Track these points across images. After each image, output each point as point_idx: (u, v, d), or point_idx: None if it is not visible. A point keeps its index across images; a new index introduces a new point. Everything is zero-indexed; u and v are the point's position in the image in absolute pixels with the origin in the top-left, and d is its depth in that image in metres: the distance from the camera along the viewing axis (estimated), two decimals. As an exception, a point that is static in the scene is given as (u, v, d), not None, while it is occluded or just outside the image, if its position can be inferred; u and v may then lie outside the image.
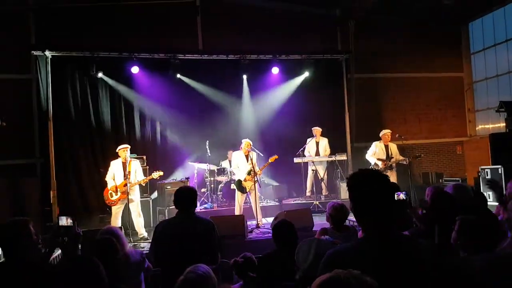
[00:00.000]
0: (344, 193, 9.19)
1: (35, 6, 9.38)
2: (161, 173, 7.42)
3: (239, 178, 7.58)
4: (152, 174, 7.31)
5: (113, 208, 7.11)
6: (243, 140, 7.76)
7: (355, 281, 1.16)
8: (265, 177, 9.71)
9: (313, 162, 9.52)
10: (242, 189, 7.56)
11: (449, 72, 12.61)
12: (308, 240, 2.90)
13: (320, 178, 9.51)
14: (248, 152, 7.60)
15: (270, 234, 6.51)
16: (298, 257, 2.80)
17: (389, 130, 8.96)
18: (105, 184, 7.28)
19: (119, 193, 7.01)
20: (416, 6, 11.07)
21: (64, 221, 3.47)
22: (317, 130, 9.65)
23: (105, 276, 2.00)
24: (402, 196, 3.40)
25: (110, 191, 7.07)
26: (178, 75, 9.58)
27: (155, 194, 8.58)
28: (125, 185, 6.92)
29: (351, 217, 4.18)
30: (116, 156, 7.29)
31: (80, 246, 3.44)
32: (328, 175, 9.73)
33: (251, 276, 3.43)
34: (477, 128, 12.58)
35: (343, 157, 9.50)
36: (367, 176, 1.77)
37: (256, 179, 7.41)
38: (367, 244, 1.71)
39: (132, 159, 7.30)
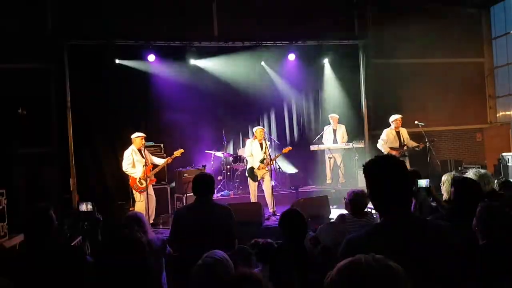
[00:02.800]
0: (361, 180, 9.11)
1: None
2: (182, 150, 7.53)
3: (252, 166, 7.60)
4: (174, 153, 7.43)
5: (141, 196, 7.17)
6: (255, 128, 7.74)
7: (378, 265, 1.13)
8: (282, 162, 9.65)
9: (330, 149, 9.46)
10: (253, 177, 7.58)
11: (470, 57, 12.30)
12: (329, 222, 2.92)
13: (337, 165, 9.46)
14: (262, 140, 7.58)
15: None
16: (320, 236, 2.82)
17: (399, 115, 8.59)
18: (124, 173, 7.35)
19: (148, 179, 7.11)
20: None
21: (84, 207, 3.52)
22: (334, 117, 9.57)
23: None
24: (424, 183, 3.37)
25: (139, 180, 7.16)
26: (193, 62, 9.62)
27: (173, 184, 8.69)
28: (151, 170, 7.14)
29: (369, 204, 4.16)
30: (128, 145, 7.36)
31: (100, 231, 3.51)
32: (346, 162, 9.66)
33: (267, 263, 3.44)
34: (497, 115, 12.30)
35: (360, 144, 9.41)
36: (383, 161, 1.78)
37: (269, 168, 7.43)
38: (386, 229, 1.71)
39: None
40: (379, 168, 1.75)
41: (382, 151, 8.52)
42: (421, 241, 1.64)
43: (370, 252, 1.26)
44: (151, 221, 7.23)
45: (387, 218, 1.73)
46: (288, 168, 10.04)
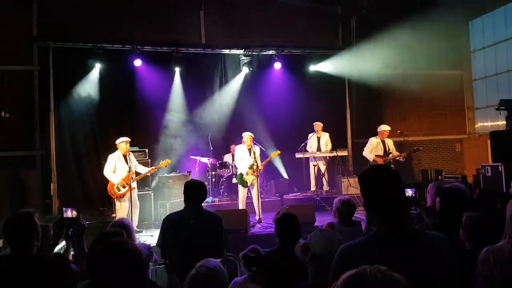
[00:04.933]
0: (345, 188, 9.22)
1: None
2: (169, 161, 7.37)
3: (241, 172, 7.58)
4: (160, 162, 7.26)
5: (121, 203, 6.99)
6: (244, 134, 7.70)
7: (382, 276, 1.15)
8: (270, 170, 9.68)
9: (314, 157, 9.55)
10: (243, 183, 7.55)
11: (449, 70, 12.64)
12: (319, 230, 2.95)
13: (321, 173, 9.55)
14: (251, 145, 7.57)
15: (272, 229, 6.58)
16: (311, 243, 2.84)
17: (388, 127, 8.68)
18: (105, 178, 7.21)
19: (127, 187, 6.94)
20: (417, 4, 11.09)
21: (69, 213, 3.45)
22: (318, 125, 9.66)
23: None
24: (410, 192, 3.45)
25: (116, 186, 6.95)
26: (180, 68, 9.61)
27: (154, 182, 8.57)
28: (132, 177, 6.89)
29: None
30: (113, 149, 7.24)
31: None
32: (329, 170, 9.75)
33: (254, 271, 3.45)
34: (476, 126, 12.63)
35: (344, 152, 9.53)
36: (379, 171, 1.81)
37: (257, 174, 7.41)
38: (381, 239, 1.72)
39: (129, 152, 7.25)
40: (375, 178, 1.78)
41: (368, 158, 8.61)
42: (415, 251, 1.67)
43: (364, 261, 1.27)
44: (135, 228, 7.12)
45: (382, 227, 1.75)
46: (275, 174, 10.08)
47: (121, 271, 1.72)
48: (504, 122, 9.15)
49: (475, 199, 3.83)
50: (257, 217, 7.40)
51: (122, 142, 7.10)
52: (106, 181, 7.32)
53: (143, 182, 8.12)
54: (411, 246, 1.68)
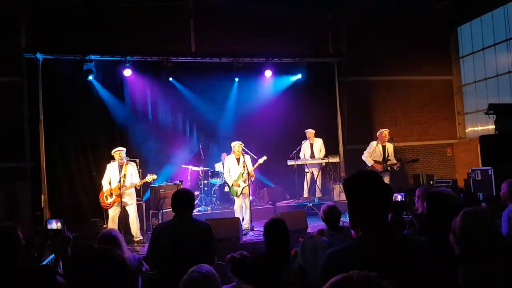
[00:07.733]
0: (337, 195, 9.23)
1: (26, 7, 9.31)
2: (155, 176, 7.34)
3: (228, 183, 7.57)
4: (146, 177, 7.22)
5: (110, 212, 7.03)
6: (233, 143, 7.68)
7: (368, 283, 1.14)
8: (262, 178, 9.66)
9: (307, 164, 9.55)
10: (234, 193, 7.52)
11: (439, 75, 12.77)
12: (309, 236, 2.95)
13: (314, 180, 9.55)
14: (241, 155, 7.54)
15: (264, 237, 6.56)
16: (303, 251, 2.85)
17: (386, 129, 8.68)
18: (100, 187, 7.21)
19: (114, 196, 6.94)
20: (406, 11, 11.24)
21: (54, 224, 3.40)
22: (310, 132, 9.68)
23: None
24: (399, 197, 3.46)
25: (105, 194, 7.02)
26: (170, 79, 9.60)
27: (147, 195, 8.52)
28: (120, 188, 6.85)
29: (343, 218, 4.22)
30: (110, 159, 7.23)
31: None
32: (322, 177, 9.76)
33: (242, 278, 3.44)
34: (466, 130, 12.74)
35: (335, 159, 9.54)
36: (364, 176, 1.81)
37: (248, 182, 7.39)
38: (366, 243, 1.72)
39: (128, 161, 7.25)
40: (359, 184, 1.77)
41: (366, 162, 8.54)
42: (398, 257, 1.67)
43: (348, 267, 1.27)
44: (137, 238, 7.09)
45: (366, 233, 1.75)
46: (268, 182, 10.03)
47: (103, 279, 1.68)
48: (493, 126, 9.24)
49: (461, 203, 3.85)
50: (248, 226, 7.36)
51: (115, 152, 7.12)
52: (98, 191, 7.32)
53: (135, 192, 8.05)
54: (395, 251, 1.67)
